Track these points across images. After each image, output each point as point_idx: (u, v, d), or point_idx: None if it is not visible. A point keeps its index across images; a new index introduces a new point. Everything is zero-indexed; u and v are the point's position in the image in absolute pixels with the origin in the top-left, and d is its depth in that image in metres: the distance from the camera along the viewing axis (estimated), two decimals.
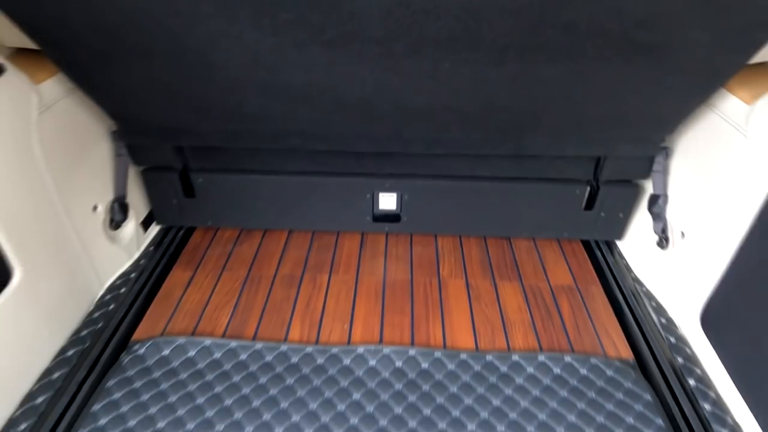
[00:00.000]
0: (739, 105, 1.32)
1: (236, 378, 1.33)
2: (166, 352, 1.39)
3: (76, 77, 1.33)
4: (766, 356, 1.18)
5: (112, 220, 1.66)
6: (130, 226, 1.74)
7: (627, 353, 1.45)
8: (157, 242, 1.82)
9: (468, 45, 1.11)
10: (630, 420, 1.25)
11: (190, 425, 1.22)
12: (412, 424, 1.24)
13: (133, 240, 1.76)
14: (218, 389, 1.30)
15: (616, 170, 1.67)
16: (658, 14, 1.05)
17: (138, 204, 1.80)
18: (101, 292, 1.60)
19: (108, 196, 1.64)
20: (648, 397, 1.31)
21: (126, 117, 1.51)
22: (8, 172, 1.22)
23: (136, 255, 1.77)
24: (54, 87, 1.37)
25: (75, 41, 1.17)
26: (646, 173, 1.66)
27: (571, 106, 1.36)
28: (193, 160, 1.73)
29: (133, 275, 1.67)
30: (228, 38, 1.13)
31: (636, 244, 1.78)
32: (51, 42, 1.19)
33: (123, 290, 1.61)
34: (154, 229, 1.88)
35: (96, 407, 1.25)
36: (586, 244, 1.86)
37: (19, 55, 1.36)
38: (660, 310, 1.56)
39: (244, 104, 1.38)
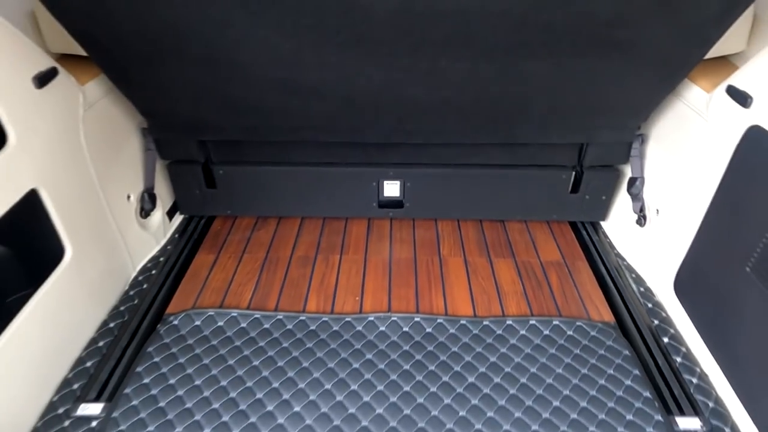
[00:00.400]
0: (701, 93, 1.49)
1: (261, 343, 1.50)
2: (197, 322, 1.56)
3: (116, 78, 1.50)
4: (729, 315, 1.35)
5: (142, 209, 1.83)
6: (158, 215, 1.91)
7: (609, 317, 1.62)
8: (181, 230, 1.99)
9: (461, 44, 1.29)
10: (610, 371, 1.42)
11: (224, 382, 1.39)
12: (419, 377, 1.40)
13: (161, 227, 1.93)
14: (246, 352, 1.47)
15: (598, 156, 1.85)
16: (623, 15, 1.22)
17: (164, 195, 1.96)
18: (134, 274, 1.76)
19: (139, 187, 1.81)
20: (627, 352, 1.48)
21: (156, 114, 1.68)
22: (63, 164, 1.39)
23: (163, 241, 1.94)
24: (95, 88, 1.54)
25: (119, 46, 1.35)
26: (625, 158, 1.83)
27: (554, 97, 1.53)
28: (214, 154, 1.90)
29: (162, 259, 1.84)
30: (253, 40, 1.30)
31: (618, 223, 1.95)
32: (98, 47, 1.36)
33: (154, 272, 1.78)
34: (178, 218, 2.05)
35: (139, 368, 1.42)
36: (573, 225, 2.03)
37: (62, 59, 1.53)
38: (639, 280, 1.74)
39: (263, 100, 1.55)
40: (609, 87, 1.50)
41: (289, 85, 1.47)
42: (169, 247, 1.91)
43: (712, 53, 1.48)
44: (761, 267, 1.23)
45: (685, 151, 1.57)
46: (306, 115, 1.62)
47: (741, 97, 1.32)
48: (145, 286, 1.71)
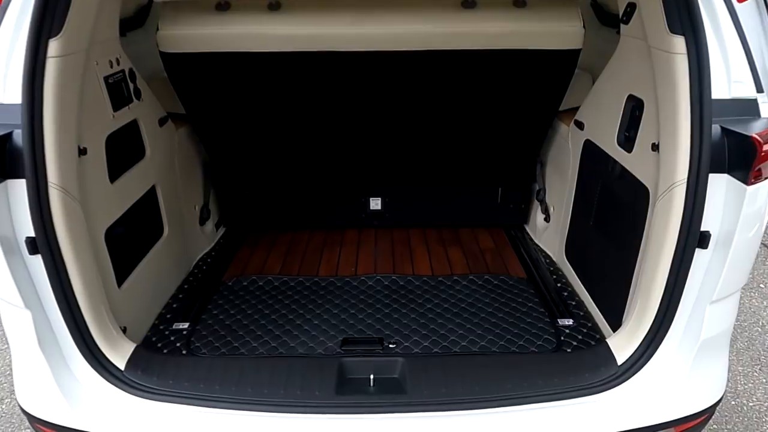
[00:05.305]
0: (565, 128, 2.39)
1: (289, 293, 2.24)
2: (245, 283, 2.30)
3: (199, 129, 2.37)
4: (587, 256, 2.14)
5: (200, 218, 2.61)
6: (210, 224, 2.69)
7: (523, 275, 2.39)
8: (225, 237, 2.76)
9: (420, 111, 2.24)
10: (520, 300, 2.17)
11: (266, 310, 2.11)
12: (394, 308, 2.13)
13: (212, 233, 2.70)
14: (280, 297, 2.20)
15: (516, 177, 2.71)
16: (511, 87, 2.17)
17: (213, 211, 2.76)
18: (195, 261, 2.51)
19: (200, 202, 2.61)
20: (532, 290, 2.24)
21: (218, 153, 2.53)
22: (167, 173, 2.21)
23: (212, 244, 2.70)
24: (182, 132, 2.40)
25: (209, 113, 2.22)
26: (533, 177, 2.70)
27: (482, 137, 2.44)
28: (250, 183, 2.72)
29: (213, 253, 2.60)
30: (294, 114, 2.20)
31: (534, 223, 2.77)
32: (194, 108, 2.24)
33: (209, 260, 2.53)
34: (222, 230, 2.82)
35: (210, 306, 2.13)
36: (505, 228, 2.84)
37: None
38: (545, 253, 2.54)
39: (291, 143, 2.45)
40: (513, 126, 2.40)
41: (318, 137, 2.38)
42: (217, 248, 2.67)
43: (571, 104, 2.40)
44: (595, 217, 2.05)
45: (561, 165, 2.44)
46: (318, 155, 2.51)
47: (580, 125, 2.21)
48: (205, 267, 2.46)
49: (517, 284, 2.28)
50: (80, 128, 1.55)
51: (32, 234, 1.40)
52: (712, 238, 1.43)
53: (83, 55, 1.56)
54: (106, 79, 1.75)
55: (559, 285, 2.29)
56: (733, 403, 2.53)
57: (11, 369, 2.67)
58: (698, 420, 1.61)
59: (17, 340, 1.53)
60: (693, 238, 1.42)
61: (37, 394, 1.56)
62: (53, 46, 1.40)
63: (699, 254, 1.44)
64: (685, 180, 1.40)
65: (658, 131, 1.54)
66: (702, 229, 1.41)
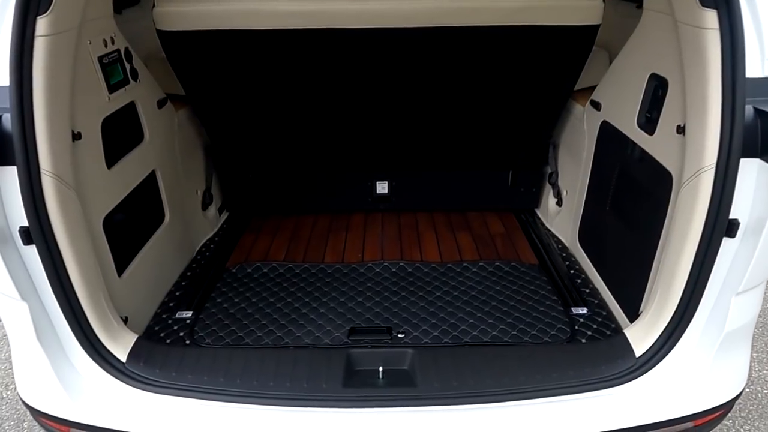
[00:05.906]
0: (581, 108, 2.29)
1: (295, 280, 2.18)
2: (249, 270, 2.24)
3: (199, 111, 2.28)
4: (602, 242, 2.07)
5: (203, 203, 2.54)
6: (213, 209, 2.63)
7: (534, 261, 2.32)
8: (228, 222, 2.70)
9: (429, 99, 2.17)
10: (532, 287, 2.11)
11: (271, 298, 2.05)
12: (403, 296, 2.08)
13: (215, 218, 2.64)
14: (285, 285, 2.14)
15: (527, 160, 2.62)
16: (528, 67, 2.06)
17: (215, 196, 2.69)
18: (198, 247, 2.45)
19: (202, 186, 2.54)
20: (544, 278, 2.17)
21: (219, 135, 2.45)
22: (167, 158, 2.13)
23: (215, 229, 2.63)
24: (182, 114, 2.31)
25: (209, 95, 2.13)
26: (546, 160, 2.61)
27: (495, 116, 2.34)
28: (252, 166, 2.64)
29: (216, 239, 2.54)
30: (297, 94, 2.11)
31: (545, 207, 2.69)
32: (194, 89, 2.15)
33: (212, 246, 2.47)
34: (225, 215, 2.76)
35: (213, 294, 2.08)
36: (516, 214, 2.76)
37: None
38: (557, 238, 2.47)
39: (292, 127, 2.37)
40: (525, 107, 2.30)
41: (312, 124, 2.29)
42: (220, 233, 2.61)
43: (589, 83, 2.29)
44: (612, 202, 1.97)
45: (576, 148, 2.34)
46: (322, 139, 2.42)
47: (597, 105, 2.12)
48: (208, 254, 2.41)
49: (528, 271, 2.22)
50: (74, 111, 1.48)
51: (26, 224, 1.34)
52: (740, 226, 1.35)
53: (75, 33, 1.47)
54: (100, 59, 1.66)
55: (572, 272, 2.23)
56: (747, 390, 2.47)
57: None
58: (717, 413, 1.56)
59: (15, 332, 1.49)
60: (720, 226, 1.34)
61: (38, 386, 1.52)
62: (42, 24, 1.31)
63: (726, 243, 1.37)
64: (714, 165, 1.32)
65: (684, 113, 1.45)
66: (730, 217, 1.33)
